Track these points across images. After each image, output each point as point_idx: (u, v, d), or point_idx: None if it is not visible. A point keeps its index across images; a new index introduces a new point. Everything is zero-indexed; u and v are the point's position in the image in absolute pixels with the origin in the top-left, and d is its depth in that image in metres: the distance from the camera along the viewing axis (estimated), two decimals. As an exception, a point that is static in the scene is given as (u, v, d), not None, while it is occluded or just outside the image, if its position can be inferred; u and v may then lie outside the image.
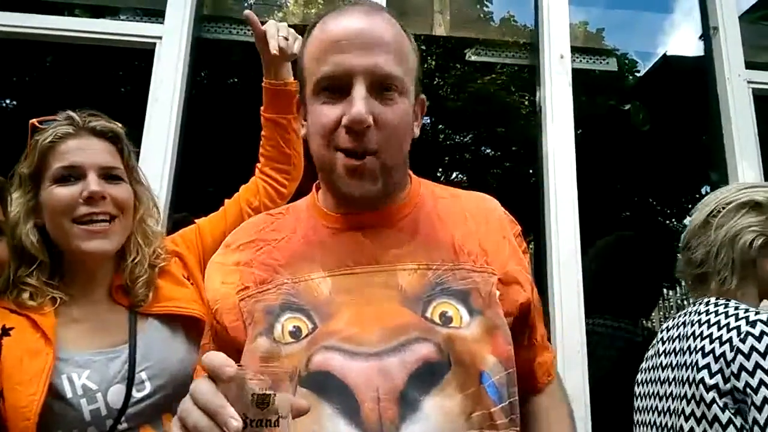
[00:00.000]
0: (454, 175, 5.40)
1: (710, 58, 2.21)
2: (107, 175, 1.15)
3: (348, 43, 0.86)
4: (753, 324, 1.20)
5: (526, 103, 3.80)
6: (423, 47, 4.11)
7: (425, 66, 4.41)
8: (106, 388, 1.08)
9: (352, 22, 0.89)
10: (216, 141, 2.44)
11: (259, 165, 1.45)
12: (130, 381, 1.09)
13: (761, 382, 1.15)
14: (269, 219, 1.02)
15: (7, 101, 2.16)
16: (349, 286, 0.89)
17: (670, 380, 1.34)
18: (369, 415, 0.80)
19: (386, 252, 0.92)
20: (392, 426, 0.80)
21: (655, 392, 1.40)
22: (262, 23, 1.34)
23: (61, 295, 1.12)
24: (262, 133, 1.43)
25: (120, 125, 1.22)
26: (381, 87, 0.87)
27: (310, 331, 0.87)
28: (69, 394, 1.05)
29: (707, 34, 2.23)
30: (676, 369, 1.33)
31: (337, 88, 0.87)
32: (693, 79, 2.29)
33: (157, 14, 2.03)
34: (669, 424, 1.32)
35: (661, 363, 1.40)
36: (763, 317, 1.21)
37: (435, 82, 4.47)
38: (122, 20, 2.05)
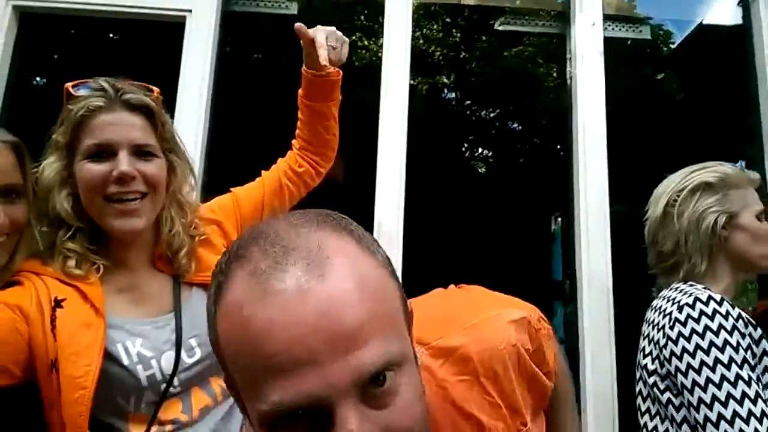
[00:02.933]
0: (480, 151, 5.39)
1: (748, 26, 2.18)
2: (139, 151, 1.17)
3: (301, 353, 0.54)
4: (680, 309, 1.31)
5: (555, 75, 3.77)
6: (448, 19, 4.08)
7: (450, 39, 4.38)
8: (159, 354, 1.14)
9: (295, 310, 0.55)
10: (247, 114, 2.50)
11: (296, 144, 1.49)
12: (178, 348, 1.15)
13: (689, 366, 1.25)
14: None
15: (42, 76, 2.23)
16: None
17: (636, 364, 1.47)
18: None
19: None
20: None
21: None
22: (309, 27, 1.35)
23: (104, 261, 1.17)
24: (299, 116, 1.46)
25: (156, 92, 1.23)
26: (373, 385, 0.57)
27: None
28: (126, 361, 1.11)
29: (745, 2, 2.20)
30: (637, 354, 1.46)
31: (304, 419, 0.56)
32: (730, 48, 2.26)
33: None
34: (638, 405, 1.45)
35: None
36: (691, 300, 1.29)
37: (461, 56, 4.44)
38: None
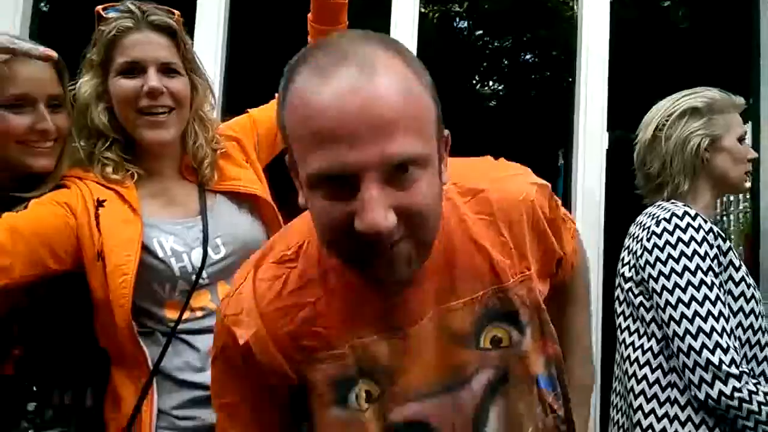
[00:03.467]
0: (491, 82, 5.34)
1: None
2: (166, 69, 1.26)
3: (342, 132, 0.67)
4: (658, 223, 1.42)
5: (570, 4, 3.73)
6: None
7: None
8: (189, 250, 1.27)
9: (343, 98, 0.67)
10: (262, 36, 2.55)
11: None
12: (205, 245, 1.28)
13: (660, 272, 1.38)
14: (281, 272, 0.89)
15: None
16: (406, 348, 0.88)
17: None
18: None
19: (430, 301, 0.88)
20: None
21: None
22: None
23: (138, 170, 1.29)
24: (309, 40, 1.52)
25: (177, 15, 1.31)
26: (398, 172, 0.70)
27: (380, 393, 0.88)
28: (161, 254, 1.24)
29: None
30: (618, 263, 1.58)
31: (337, 183, 0.70)
32: None
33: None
34: (615, 308, 1.57)
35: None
36: (668, 215, 1.41)
37: None
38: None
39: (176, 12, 1.32)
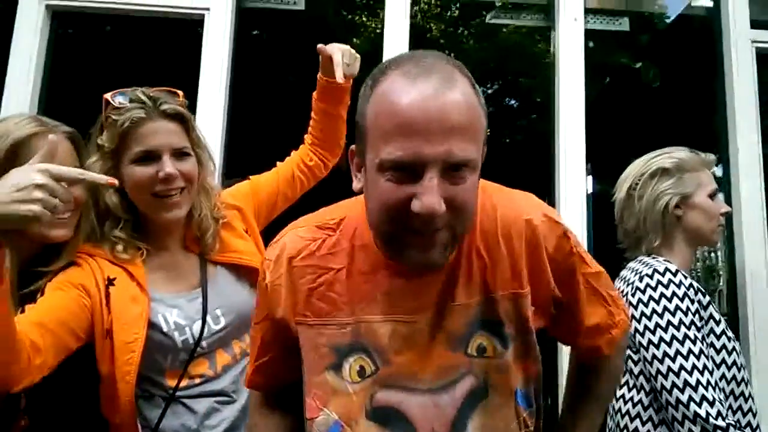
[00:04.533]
0: None
1: (718, 18, 2.33)
2: (178, 153, 1.32)
3: (421, 128, 0.82)
4: (641, 279, 1.49)
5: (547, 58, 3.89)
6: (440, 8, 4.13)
7: (448, 15, 4.45)
8: (191, 323, 1.33)
9: (427, 101, 0.82)
10: (262, 103, 2.66)
11: (307, 140, 1.65)
12: (203, 318, 1.34)
13: (646, 327, 1.45)
14: (320, 236, 1.02)
15: (73, 70, 2.38)
16: (406, 334, 0.97)
17: None
18: None
19: (435, 296, 0.98)
20: None
21: None
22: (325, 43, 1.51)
23: (146, 246, 1.35)
24: (312, 115, 1.62)
25: (180, 96, 1.37)
26: (454, 169, 0.84)
27: (373, 371, 0.98)
28: (165, 328, 1.30)
29: None
30: None
31: (405, 169, 0.84)
32: (702, 38, 2.41)
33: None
34: None
35: None
36: (650, 271, 1.48)
37: (459, 31, 4.45)
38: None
39: (179, 92, 1.38)
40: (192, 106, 1.48)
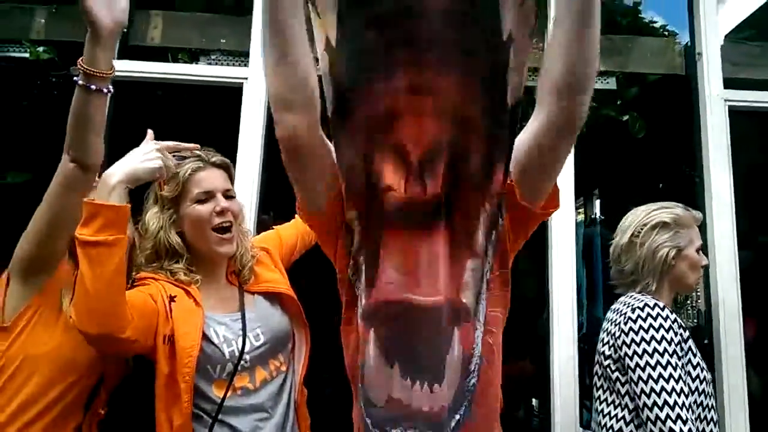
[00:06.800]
0: None
1: (695, 78, 2.56)
2: (226, 195, 1.60)
3: None
4: (633, 311, 1.67)
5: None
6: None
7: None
8: (237, 338, 1.53)
9: None
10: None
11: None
12: (244, 335, 1.54)
13: (635, 352, 1.62)
14: None
15: (129, 134, 2.57)
16: None
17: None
18: None
19: None
20: None
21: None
22: None
23: (198, 277, 1.58)
24: None
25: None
26: None
27: None
28: (216, 340, 1.51)
29: (693, 59, 2.57)
30: (598, 344, 1.81)
31: None
32: (680, 95, 2.61)
33: (242, 54, 2.49)
34: (594, 382, 1.81)
35: None
36: (641, 305, 1.65)
37: None
38: (214, 64, 2.52)
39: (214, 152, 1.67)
40: (232, 163, 1.73)
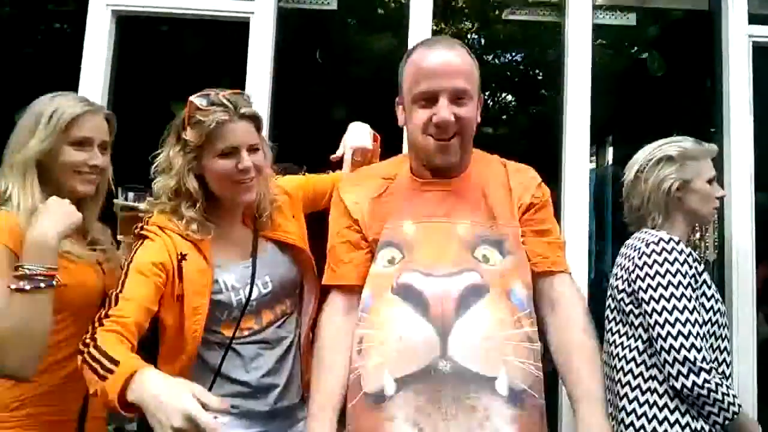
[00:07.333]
0: (503, 96, 5.06)
1: (718, 12, 2.44)
2: (252, 148, 1.50)
3: (436, 71, 1.33)
4: (647, 245, 1.66)
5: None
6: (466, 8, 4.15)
7: (466, 24, 4.47)
8: (244, 286, 1.53)
9: (439, 57, 1.35)
10: (303, 98, 2.83)
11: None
12: (251, 283, 1.53)
13: (648, 285, 1.62)
14: (385, 184, 1.48)
15: (136, 68, 2.51)
16: (427, 231, 1.35)
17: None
18: (435, 312, 1.24)
19: (450, 212, 1.37)
20: (449, 319, 1.23)
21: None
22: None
23: (213, 226, 1.53)
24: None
25: (249, 96, 1.56)
26: (457, 96, 1.33)
27: (400, 259, 1.33)
28: (224, 290, 1.50)
29: None
30: (611, 278, 1.80)
31: (428, 99, 1.34)
32: (703, 32, 2.52)
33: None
34: (606, 315, 1.81)
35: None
36: (656, 239, 1.64)
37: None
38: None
39: (248, 95, 1.58)
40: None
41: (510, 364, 1.21)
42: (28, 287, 1.27)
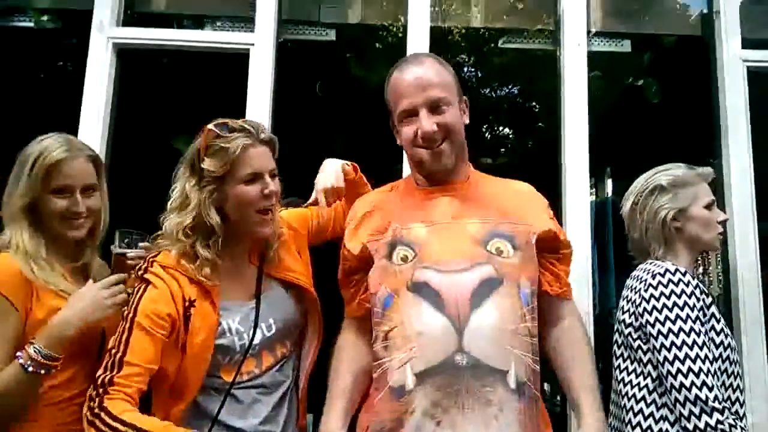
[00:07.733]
0: (499, 129, 5.07)
1: (712, 38, 2.45)
2: (272, 174, 1.48)
3: (409, 88, 1.43)
4: (654, 277, 1.60)
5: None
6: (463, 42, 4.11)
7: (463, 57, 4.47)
8: (249, 329, 1.48)
9: (410, 74, 1.44)
10: (303, 126, 2.82)
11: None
12: (255, 326, 1.49)
13: (656, 319, 1.56)
14: (381, 194, 1.60)
15: (137, 101, 2.50)
16: (437, 231, 1.40)
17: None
18: (450, 308, 1.28)
19: (458, 214, 1.43)
20: (465, 315, 1.27)
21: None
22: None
23: (225, 262, 1.48)
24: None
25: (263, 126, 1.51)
26: (435, 106, 1.41)
27: (413, 257, 1.37)
28: (228, 335, 1.45)
29: (711, 17, 2.46)
30: (617, 312, 1.75)
31: (411, 115, 1.43)
32: (697, 57, 2.52)
33: (247, 20, 2.41)
34: (614, 351, 1.74)
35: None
36: (662, 270, 1.59)
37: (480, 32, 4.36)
38: (219, 29, 2.44)
39: (261, 123, 1.54)
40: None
41: (517, 358, 1.28)
42: (30, 369, 1.33)
